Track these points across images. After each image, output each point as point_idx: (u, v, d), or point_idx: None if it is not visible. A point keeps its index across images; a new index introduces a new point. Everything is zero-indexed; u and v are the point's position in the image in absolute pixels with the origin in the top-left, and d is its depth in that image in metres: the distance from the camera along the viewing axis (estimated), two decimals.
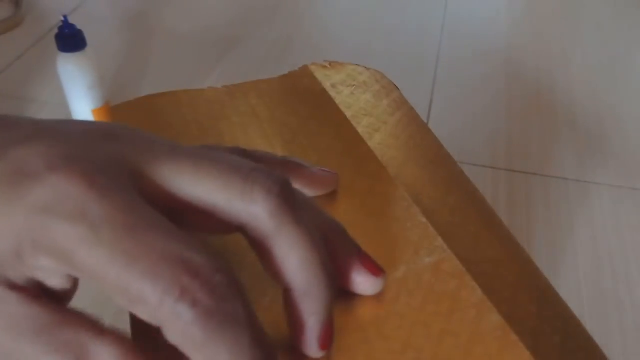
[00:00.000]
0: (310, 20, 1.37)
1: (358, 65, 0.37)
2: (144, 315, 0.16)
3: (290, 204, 0.19)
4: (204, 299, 0.16)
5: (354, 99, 0.34)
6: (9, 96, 1.11)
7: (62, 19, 0.89)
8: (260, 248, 0.19)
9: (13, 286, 0.17)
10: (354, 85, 0.35)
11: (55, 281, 0.18)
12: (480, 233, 0.28)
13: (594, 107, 1.14)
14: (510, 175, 0.98)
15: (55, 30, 0.90)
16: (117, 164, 0.18)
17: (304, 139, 0.31)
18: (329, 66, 0.36)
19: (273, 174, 0.19)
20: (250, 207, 0.18)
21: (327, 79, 0.35)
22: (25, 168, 0.17)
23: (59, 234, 0.16)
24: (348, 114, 0.33)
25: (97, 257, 0.16)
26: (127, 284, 0.16)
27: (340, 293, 0.23)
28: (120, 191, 0.17)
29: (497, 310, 0.23)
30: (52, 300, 0.18)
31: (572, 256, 0.86)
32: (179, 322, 0.16)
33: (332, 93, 0.34)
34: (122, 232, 0.16)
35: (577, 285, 0.82)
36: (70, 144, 0.18)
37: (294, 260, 0.19)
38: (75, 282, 0.19)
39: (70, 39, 0.90)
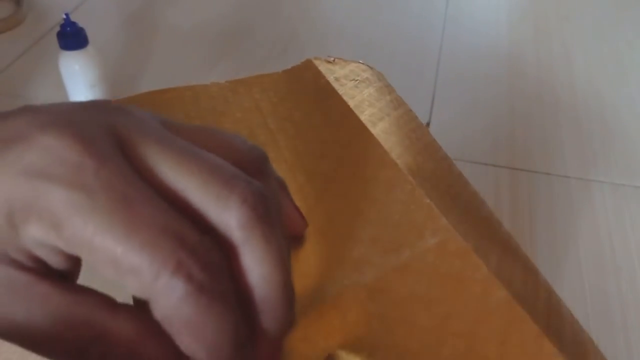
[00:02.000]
0: (310, 20, 1.37)
1: (361, 62, 0.37)
2: (134, 286, 0.16)
3: (264, 219, 0.18)
4: (198, 275, 0.16)
5: (357, 91, 0.34)
6: (10, 95, 1.10)
7: (64, 16, 0.89)
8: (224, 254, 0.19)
9: (21, 267, 0.17)
10: (357, 80, 0.35)
11: (55, 260, 0.17)
12: (480, 243, 0.28)
13: (596, 105, 1.14)
14: (513, 173, 0.98)
15: (57, 28, 0.90)
16: (109, 134, 0.17)
17: (308, 132, 0.31)
18: (332, 61, 0.36)
19: (254, 183, 0.18)
20: (222, 213, 0.18)
21: (331, 73, 0.35)
22: (13, 133, 0.16)
23: (52, 199, 0.16)
24: (351, 104, 0.32)
25: (93, 225, 0.15)
26: (122, 254, 0.16)
27: (343, 278, 0.23)
28: (115, 160, 0.17)
29: (503, 286, 0.23)
30: (60, 279, 0.17)
31: (574, 254, 0.86)
32: (171, 297, 0.16)
33: (336, 86, 0.34)
34: (121, 201, 0.16)
35: (580, 283, 0.82)
36: (61, 113, 0.17)
37: (255, 276, 0.18)
38: (77, 262, 0.18)
39: (72, 37, 0.89)
